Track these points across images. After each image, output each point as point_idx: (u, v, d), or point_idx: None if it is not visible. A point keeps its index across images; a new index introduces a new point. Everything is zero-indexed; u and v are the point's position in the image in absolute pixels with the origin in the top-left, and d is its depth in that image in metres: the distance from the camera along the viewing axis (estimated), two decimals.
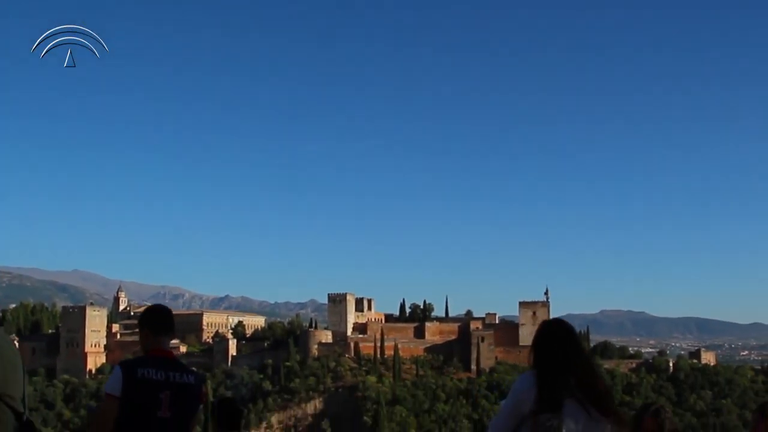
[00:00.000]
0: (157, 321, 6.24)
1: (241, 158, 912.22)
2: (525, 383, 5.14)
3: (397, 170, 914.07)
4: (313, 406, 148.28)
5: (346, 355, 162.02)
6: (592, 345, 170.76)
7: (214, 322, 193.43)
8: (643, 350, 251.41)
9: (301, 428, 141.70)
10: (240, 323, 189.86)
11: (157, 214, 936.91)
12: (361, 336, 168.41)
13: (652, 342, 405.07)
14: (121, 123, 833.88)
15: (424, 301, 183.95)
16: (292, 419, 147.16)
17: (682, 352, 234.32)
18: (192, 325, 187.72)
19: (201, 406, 6.17)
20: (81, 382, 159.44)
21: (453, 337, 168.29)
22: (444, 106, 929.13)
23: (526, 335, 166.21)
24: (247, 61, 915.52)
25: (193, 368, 6.76)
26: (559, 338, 5.29)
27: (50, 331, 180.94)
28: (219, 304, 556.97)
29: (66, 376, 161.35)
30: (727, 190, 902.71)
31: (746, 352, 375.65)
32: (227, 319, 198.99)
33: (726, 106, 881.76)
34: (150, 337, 6.19)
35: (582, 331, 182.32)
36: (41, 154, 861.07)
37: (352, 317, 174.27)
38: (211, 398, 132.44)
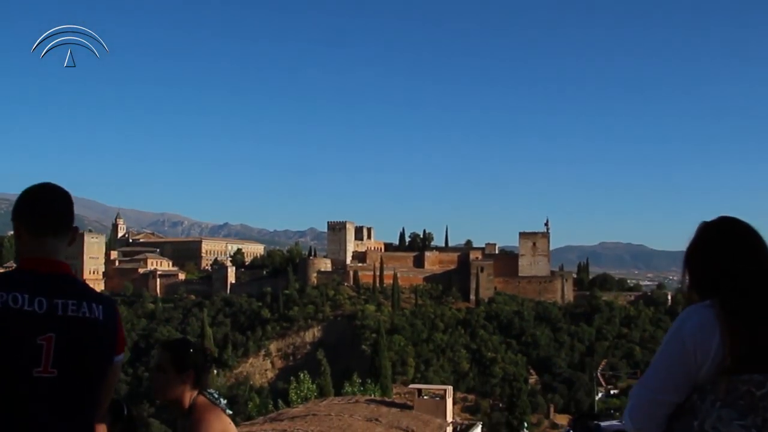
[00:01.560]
0: (35, 211, 3.08)
1: (241, 87, 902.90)
2: (703, 324, 2.63)
3: (397, 99, 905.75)
4: (312, 334, 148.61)
5: (345, 284, 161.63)
6: (591, 277, 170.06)
7: (213, 249, 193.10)
8: (641, 283, 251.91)
9: (299, 356, 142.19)
10: (239, 251, 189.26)
11: (157, 141, 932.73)
12: (360, 265, 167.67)
13: (650, 275, 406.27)
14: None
15: (424, 231, 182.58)
16: (291, 347, 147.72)
17: (680, 286, 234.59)
18: (191, 252, 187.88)
19: (119, 357, 3.09)
20: None
21: (452, 266, 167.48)
22: (447, 35, 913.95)
23: (526, 266, 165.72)
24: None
25: (103, 292, 3.51)
26: (745, 246, 2.76)
27: None
28: (218, 231, 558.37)
29: None
30: (725, 125, 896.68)
31: None
32: (226, 246, 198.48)
33: (724, 48, 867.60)
34: (26, 239, 3.07)
35: (581, 263, 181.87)
36: (42, 83, 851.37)
37: (351, 246, 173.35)
38: (207, 327, 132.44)
